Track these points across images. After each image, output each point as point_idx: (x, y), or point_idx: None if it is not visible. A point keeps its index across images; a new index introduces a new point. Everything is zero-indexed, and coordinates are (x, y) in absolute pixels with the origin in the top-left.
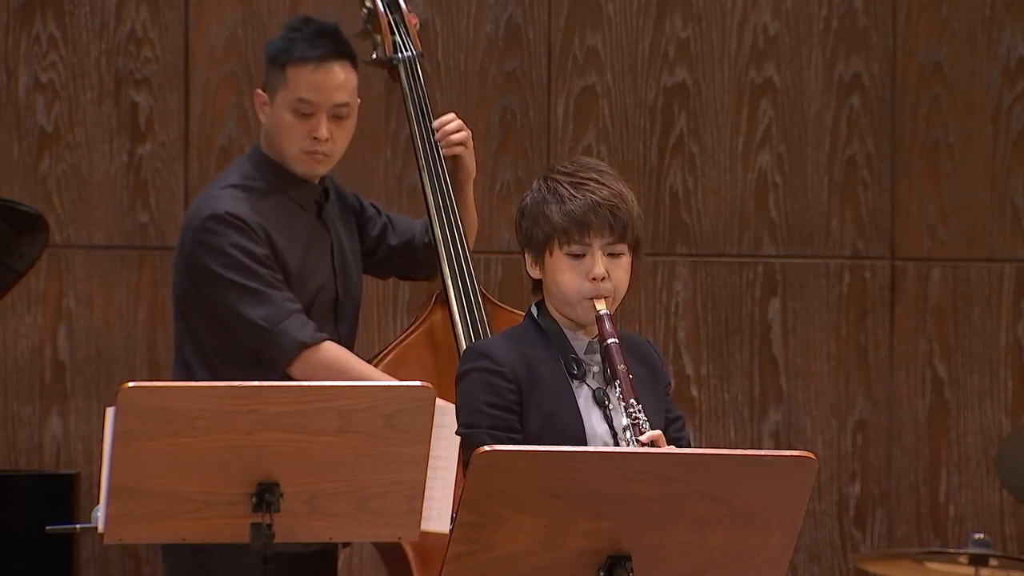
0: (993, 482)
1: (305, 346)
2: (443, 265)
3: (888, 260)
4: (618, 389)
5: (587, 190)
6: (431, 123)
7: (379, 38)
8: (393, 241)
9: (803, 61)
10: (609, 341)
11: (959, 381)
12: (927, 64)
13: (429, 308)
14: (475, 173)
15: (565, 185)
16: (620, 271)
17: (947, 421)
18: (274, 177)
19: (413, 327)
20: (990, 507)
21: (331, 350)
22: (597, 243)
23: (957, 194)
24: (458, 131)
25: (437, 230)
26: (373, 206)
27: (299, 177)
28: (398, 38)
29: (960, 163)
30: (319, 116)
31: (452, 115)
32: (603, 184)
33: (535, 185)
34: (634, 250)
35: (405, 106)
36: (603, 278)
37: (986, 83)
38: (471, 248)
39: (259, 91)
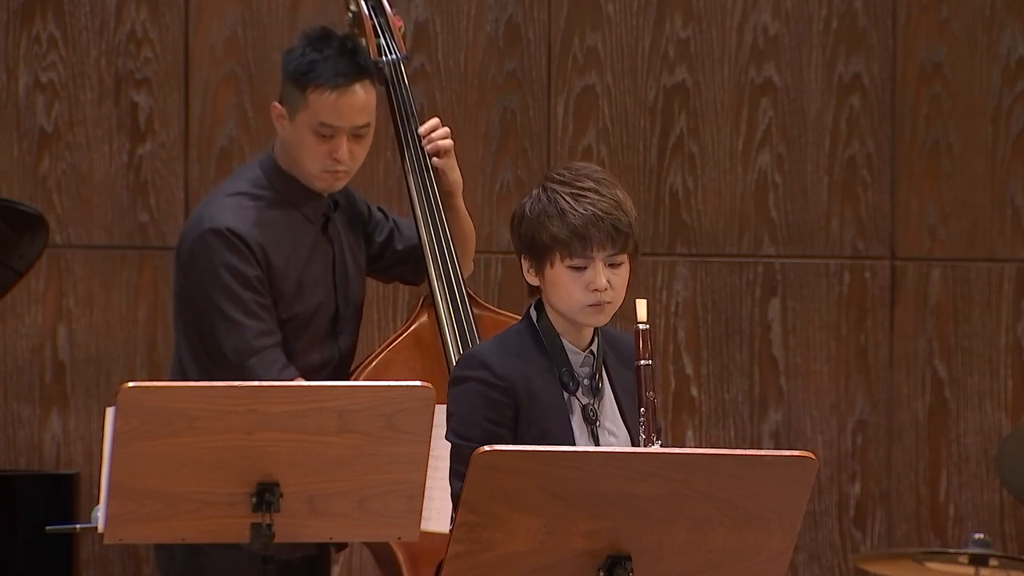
0: (993, 482)
1: None
2: (429, 267)
3: (888, 260)
4: (641, 418)
5: (588, 202)
6: (416, 126)
7: (364, 41)
8: (399, 246)
9: (803, 61)
10: (641, 362)
11: (959, 381)
12: (927, 64)
13: (417, 311)
14: (462, 184)
15: (565, 197)
16: (620, 279)
17: (947, 421)
18: (284, 188)
19: (401, 331)
20: (990, 507)
21: None
22: (599, 256)
23: (957, 194)
24: (444, 138)
25: (423, 232)
26: (380, 210)
27: (310, 191)
28: (383, 41)
29: (960, 163)
30: (339, 138)
31: (437, 120)
32: (602, 195)
33: (534, 194)
34: (632, 256)
35: (390, 109)
36: (605, 288)
37: (986, 83)
38: (471, 253)
39: (276, 104)
